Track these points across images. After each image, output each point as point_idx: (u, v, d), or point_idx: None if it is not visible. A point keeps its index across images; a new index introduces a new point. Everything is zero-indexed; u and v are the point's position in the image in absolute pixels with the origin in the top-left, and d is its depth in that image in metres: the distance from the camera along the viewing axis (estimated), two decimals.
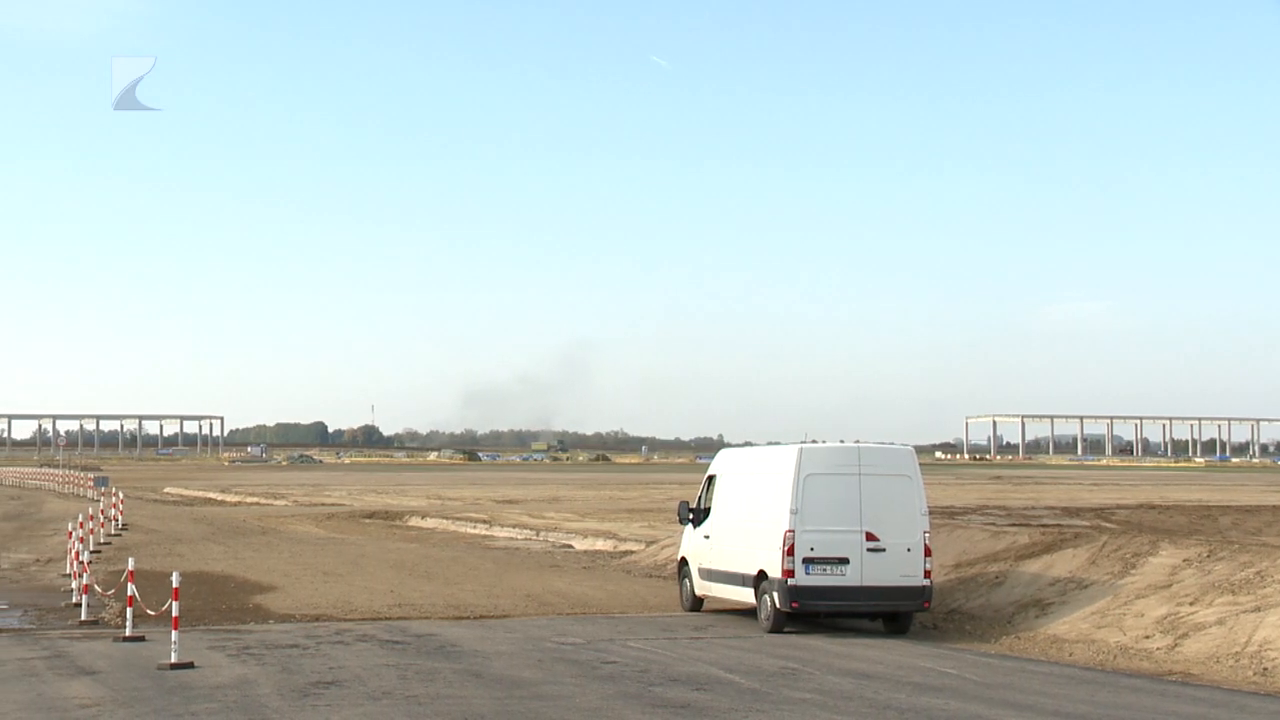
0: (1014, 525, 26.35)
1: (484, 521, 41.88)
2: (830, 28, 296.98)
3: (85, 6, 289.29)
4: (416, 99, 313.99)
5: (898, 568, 18.36)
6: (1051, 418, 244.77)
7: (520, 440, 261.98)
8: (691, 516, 21.45)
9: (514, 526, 39.88)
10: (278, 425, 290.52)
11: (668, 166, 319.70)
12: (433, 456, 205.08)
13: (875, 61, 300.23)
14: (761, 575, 18.69)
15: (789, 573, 18.08)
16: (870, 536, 18.33)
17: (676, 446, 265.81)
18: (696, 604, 21.04)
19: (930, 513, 19.33)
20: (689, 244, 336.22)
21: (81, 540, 23.44)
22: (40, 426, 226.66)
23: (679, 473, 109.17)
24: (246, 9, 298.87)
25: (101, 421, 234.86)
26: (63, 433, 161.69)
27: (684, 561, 21.57)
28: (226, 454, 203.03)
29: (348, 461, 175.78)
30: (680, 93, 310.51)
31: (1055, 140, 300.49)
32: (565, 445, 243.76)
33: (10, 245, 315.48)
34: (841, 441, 19.27)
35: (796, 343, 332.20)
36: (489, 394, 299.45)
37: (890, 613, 18.80)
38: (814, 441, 19.69)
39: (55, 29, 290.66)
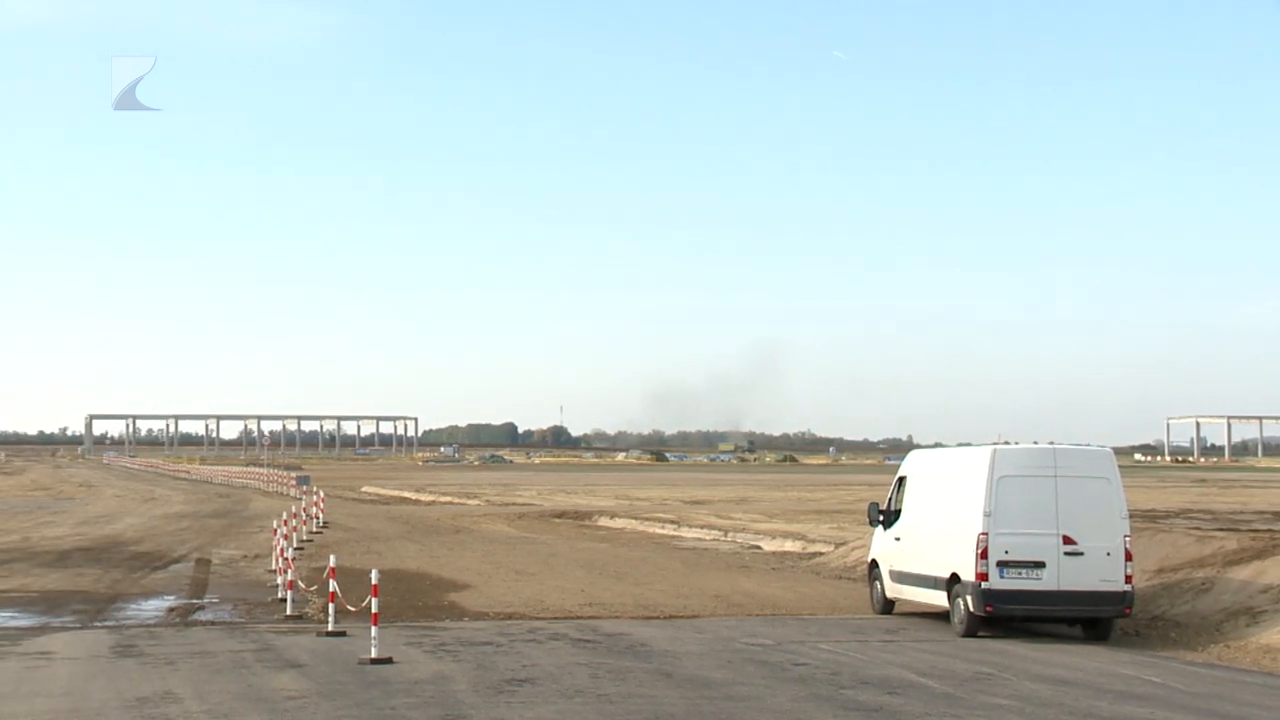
0: (1221, 530, 25.32)
1: (672, 522, 42.05)
2: (1021, 23, 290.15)
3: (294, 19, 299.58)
4: (602, 96, 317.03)
5: (1097, 572, 17.84)
6: (1260, 419, 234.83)
7: (708, 441, 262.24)
8: (882, 518, 21.19)
9: (702, 527, 39.95)
10: (469, 426, 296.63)
11: (860, 165, 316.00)
12: (621, 457, 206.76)
13: (1066, 56, 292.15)
14: (954, 578, 18.36)
15: (982, 576, 17.72)
16: (1067, 540, 17.84)
17: (864, 448, 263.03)
18: (887, 606, 20.77)
19: (1130, 516, 18.72)
20: (882, 243, 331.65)
21: (285, 537, 24.26)
22: (246, 427, 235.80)
23: (867, 474, 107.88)
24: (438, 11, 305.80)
25: (303, 422, 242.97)
26: (267, 433, 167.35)
27: (874, 564, 21.31)
28: (420, 454, 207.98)
29: (537, 462, 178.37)
30: (863, 89, 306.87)
31: (1260, 133, 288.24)
32: (754, 446, 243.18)
33: (220, 255, 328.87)
34: (1035, 443, 18.81)
35: (989, 343, 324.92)
36: (677, 394, 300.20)
37: (1089, 618, 18.28)
38: (1007, 443, 19.27)
39: (262, 40, 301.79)
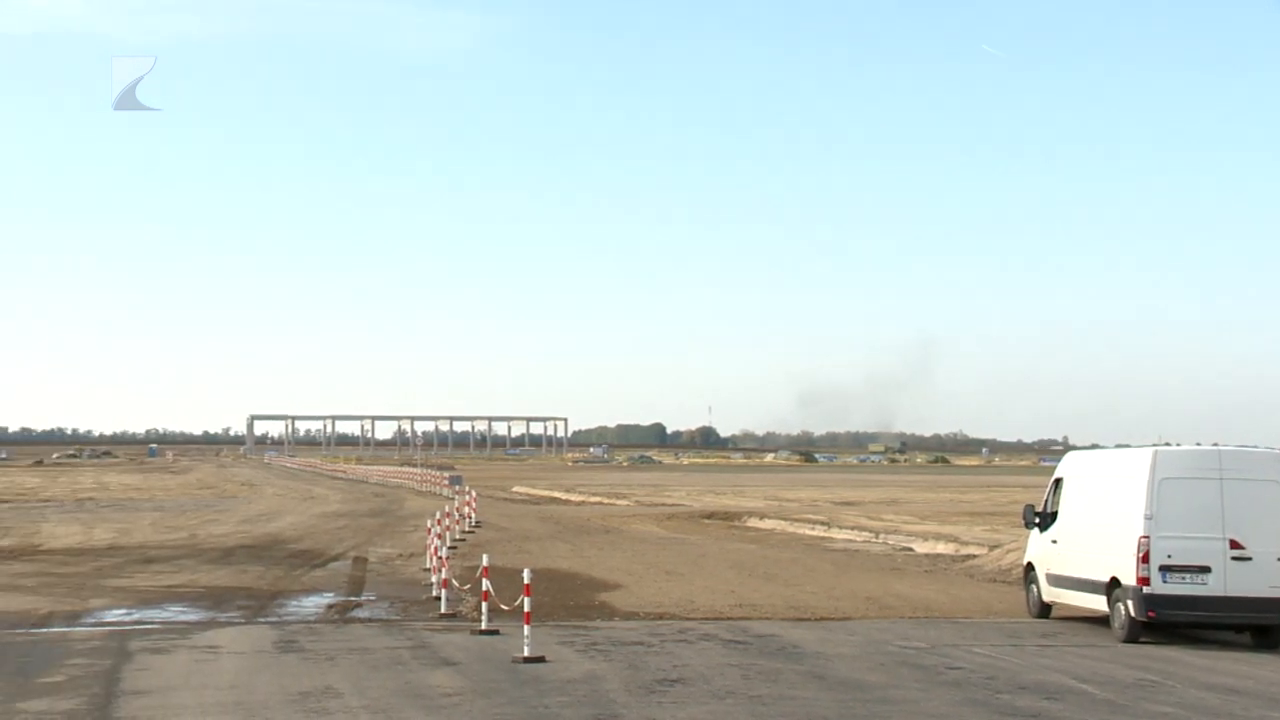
0: None
1: (822, 523, 41.75)
2: (1179, 11, 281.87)
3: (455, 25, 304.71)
4: (754, 96, 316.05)
5: (1267, 578, 17.23)
6: None
7: (857, 441, 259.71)
8: (1038, 520, 20.75)
9: (852, 528, 39.59)
10: (618, 426, 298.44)
11: (1019, 163, 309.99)
12: (770, 458, 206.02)
13: (1251, 50, 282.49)
14: (1114, 582, 17.89)
15: (1144, 580, 17.25)
16: (1235, 544, 17.27)
17: (1018, 449, 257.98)
18: (1044, 610, 20.32)
19: None
20: (1041, 242, 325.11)
21: (439, 536, 24.65)
22: (400, 427, 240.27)
23: (1022, 475, 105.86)
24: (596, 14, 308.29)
25: (455, 423, 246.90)
26: (420, 433, 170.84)
27: (1030, 566, 20.88)
28: (570, 454, 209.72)
29: (686, 462, 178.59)
30: (1016, 84, 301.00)
31: None
32: (905, 447, 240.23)
33: (374, 261, 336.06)
34: (1199, 445, 18.25)
35: (1150, 343, 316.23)
36: (827, 395, 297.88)
37: (1258, 626, 17.67)
38: (1169, 444, 18.74)
39: (424, 47, 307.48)
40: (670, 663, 15.31)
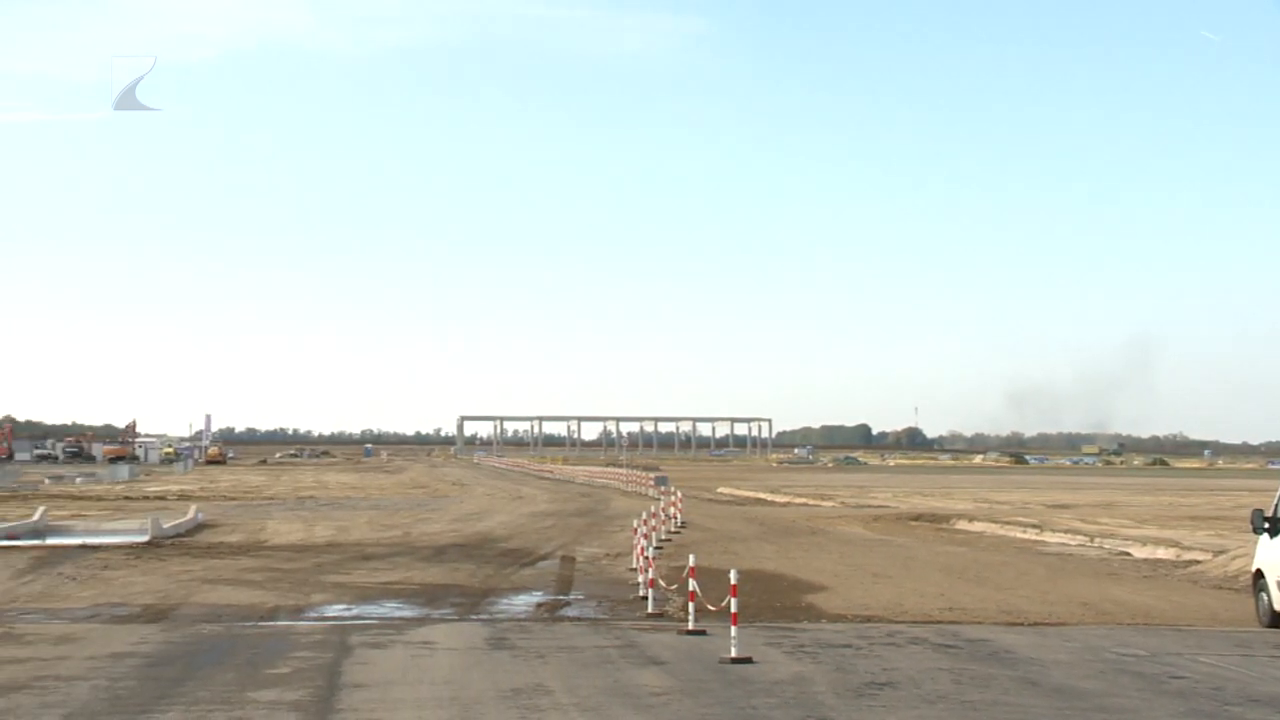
0: None
1: (1034, 526, 40.69)
2: None
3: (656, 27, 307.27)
4: (955, 90, 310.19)
5: None
6: None
7: (1070, 443, 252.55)
8: (1267, 525, 19.82)
9: (1065, 532, 38.47)
10: (823, 427, 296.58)
11: (1243, 156, 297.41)
12: (978, 459, 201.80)
13: None
14: None
15: None
16: None
17: (1243, 451, 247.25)
18: (1275, 619, 19.38)
19: None
20: (1267, 239, 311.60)
21: (645, 536, 24.83)
22: (605, 428, 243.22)
23: (1248, 479, 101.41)
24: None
25: (660, 424, 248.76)
26: (625, 434, 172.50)
27: (1260, 573, 19.96)
28: (775, 455, 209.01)
29: (892, 463, 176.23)
30: (1234, 70, 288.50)
31: None
32: (1123, 449, 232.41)
33: (579, 262, 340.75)
34: None
35: None
36: (1039, 395, 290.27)
37: None
38: None
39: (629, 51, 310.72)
40: (879, 666, 15.11)
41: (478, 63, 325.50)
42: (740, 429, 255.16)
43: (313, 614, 20.21)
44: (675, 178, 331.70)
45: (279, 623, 19.14)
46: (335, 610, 20.65)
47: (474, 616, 20.07)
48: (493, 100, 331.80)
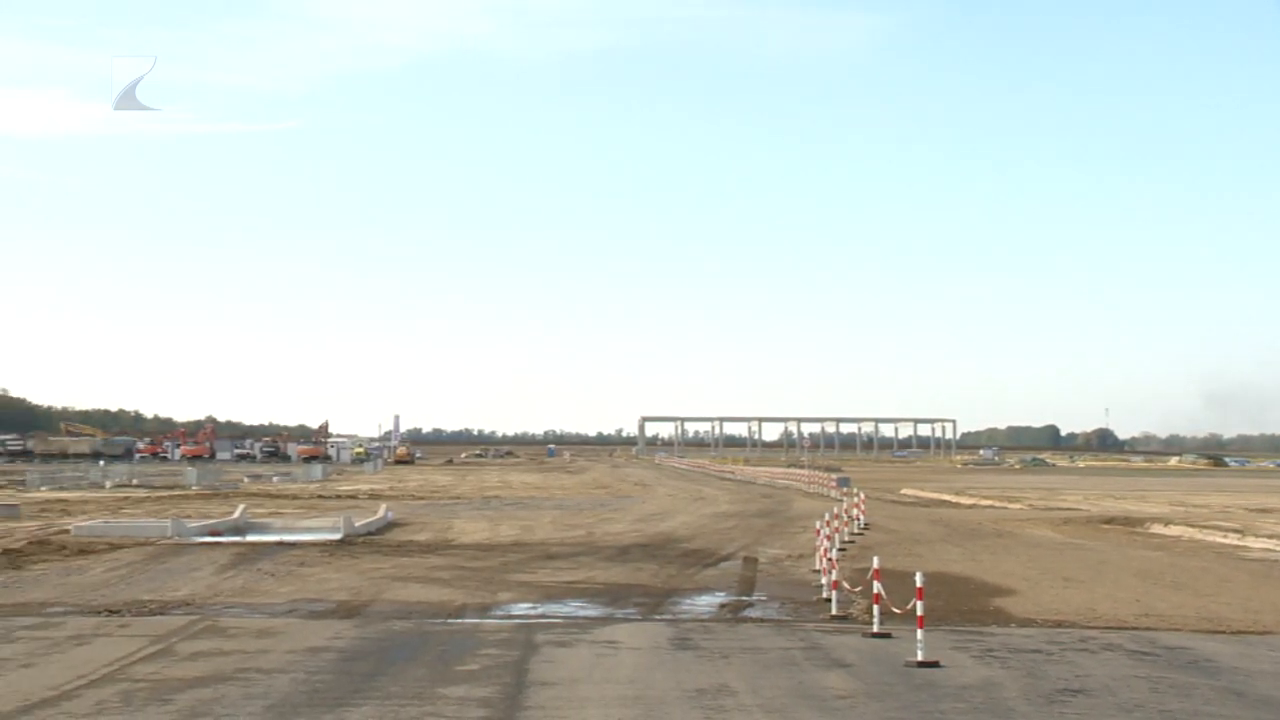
0: None
1: (1235, 531, 39.12)
2: None
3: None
4: (1118, 82, 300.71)
5: None
6: None
7: (1275, 445, 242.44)
8: None
9: (1270, 537, 36.89)
10: (1009, 428, 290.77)
11: None
12: (1173, 461, 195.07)
13: None
14: None
15: None
16: None
17: None
18: None
19: None
20: None
21: (828, 538, 24.62)
22: (786, 429, 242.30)
23: None
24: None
25: (841, 424, 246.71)
26: (806, 435, 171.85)
27: None
28: (959, 456, 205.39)
29: (1081, 465, 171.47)
30: None
31: None
32: None
33: (759, 265, 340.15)
34: None
35: None
36: (1241, 395, 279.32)
37: None
38: None
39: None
40: (1072, 672, 14.71)
41: (657, 65, 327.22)
42: (924, 430, 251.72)
43: (499, 612, 20.54)
44: (859, 175, 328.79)
45: (467, 620, 19.50)
46: (521, 609, 20.95)
47: (657, 616, 20.15)
48: (672, 102, 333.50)
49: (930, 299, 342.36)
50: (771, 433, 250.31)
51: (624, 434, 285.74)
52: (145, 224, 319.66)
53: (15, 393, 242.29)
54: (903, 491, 74.79)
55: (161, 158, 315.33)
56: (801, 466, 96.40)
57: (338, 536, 33.88)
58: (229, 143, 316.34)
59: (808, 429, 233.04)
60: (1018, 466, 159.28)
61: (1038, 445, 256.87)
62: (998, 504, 58.56)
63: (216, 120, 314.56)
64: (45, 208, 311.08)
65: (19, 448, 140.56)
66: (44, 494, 61.30)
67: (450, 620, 19.42)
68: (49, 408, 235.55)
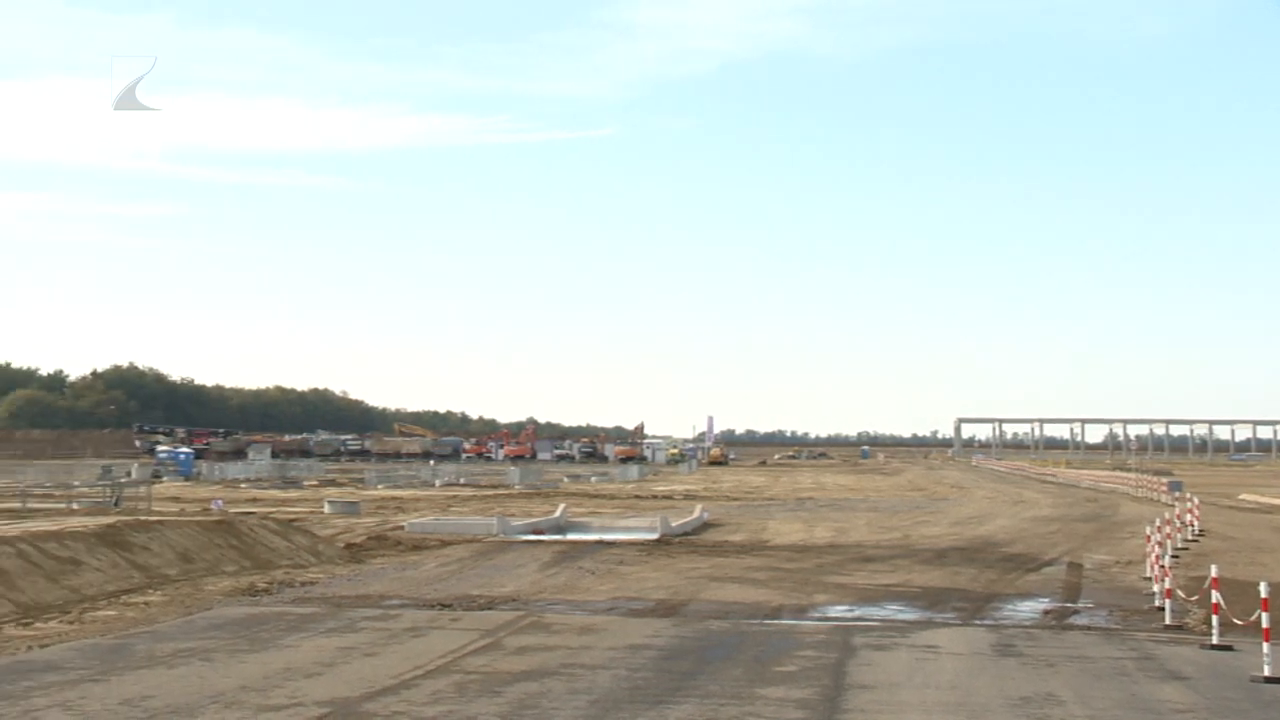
0: None
1: None
2: None
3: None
4: None
5: None
6: None
7: None
8: None
9: None
10: None
11: None
12: None
13: None
14: None
15: None
16: None
17: None
18: None
19: None
20: None
21: (1159, 544, 23.50)
22: (1111, 430, 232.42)
23: None
24: None
25: (1171, 426, 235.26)
26: (1133, 437, 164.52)
27: None
28: None
29: None
30: None
31: None
32: None
33: (1074, 260, 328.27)
34: None
35: None
36: None
37: None
38: None
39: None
40: None
41: (974, 57, 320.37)
42: (1264, 431, 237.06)
43: (815, 614, 20.47)
44: (1180, 159, 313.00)
45: (783, 621, 19.51)
46: (837, 611, 20.82)
47: (977, 621, 19.69)
48: (1003, 93, 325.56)
49: (1269, 291, 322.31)
50: (1095, 435, 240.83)
51: (939, 435, 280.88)
52: (467, 233, 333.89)
53: (354, 395, 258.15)
54: (1240, 497, 70.69)
55: (486, 167, 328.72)
56: (1128, 470, 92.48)
57: (655, 536, 34.51)
58: (548, 150, 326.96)
59: (1134, 431, 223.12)
60: None
61: None
62: None
63: (538, 129, 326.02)
64: (378, 221, 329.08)
65: (358, 447, 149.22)
66: (380, 492, 64.90)
67: (767, 621, 19.48)
68: (384, 409, 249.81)
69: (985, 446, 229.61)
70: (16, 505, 39.38)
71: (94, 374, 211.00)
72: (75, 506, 39.18)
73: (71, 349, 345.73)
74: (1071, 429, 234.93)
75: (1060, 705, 12.79)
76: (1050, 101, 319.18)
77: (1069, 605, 21.91)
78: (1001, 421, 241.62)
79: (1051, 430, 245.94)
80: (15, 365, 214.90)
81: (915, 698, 13.19)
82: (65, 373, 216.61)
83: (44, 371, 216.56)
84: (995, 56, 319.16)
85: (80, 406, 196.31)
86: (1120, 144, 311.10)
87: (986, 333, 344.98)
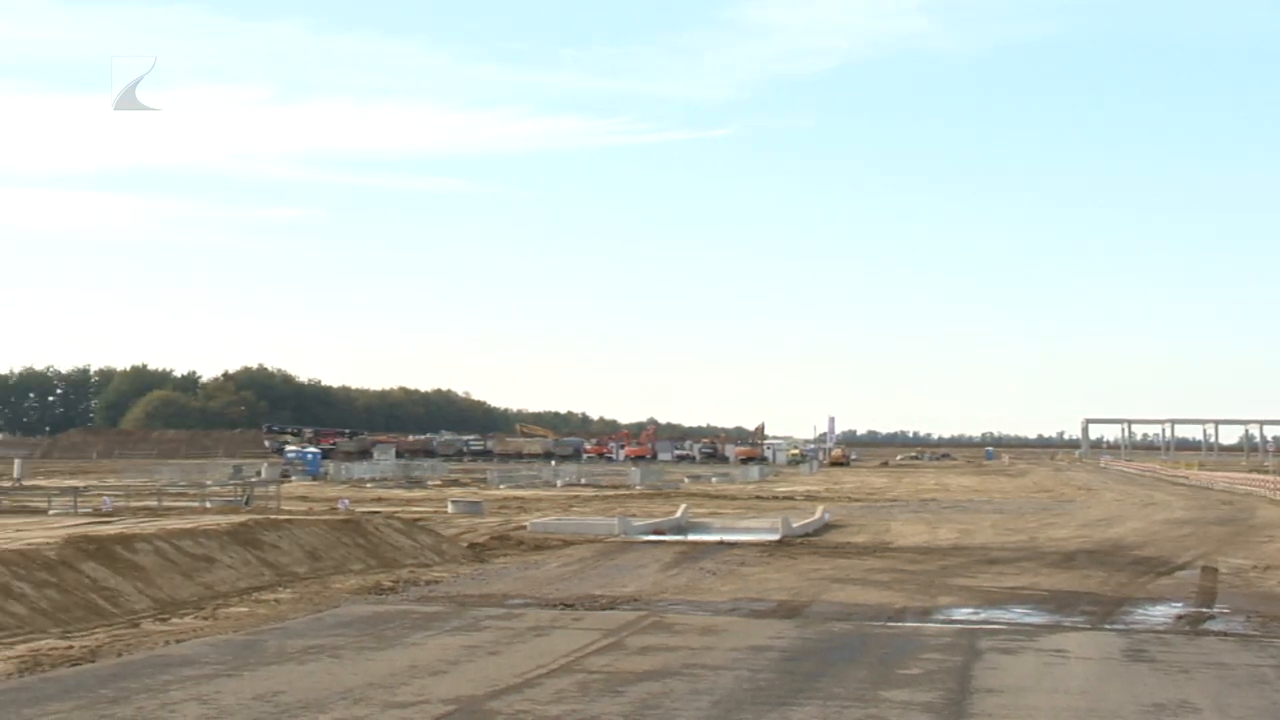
0: None
1: None
2: None
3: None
4: None
5: None
6: None
7: None
8: None
9: None
10: None
11: None
12: None
13: None
14: None
15: None
16: None
17: None
18: None
19: None
20: None
21: None
22: (1246, 431, 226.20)
23: None
24: None
25: None
26: (1270, 438, 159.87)
27: None
28: None
29: None
30: None
31: None
32: None
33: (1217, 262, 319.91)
34: None
35: None
36: None
37: None
38: None
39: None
40: None
41: (1106, 52, 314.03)
42: None
43: (939, 616, 20.20)
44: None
45: (906, 623, 19.29)
46: (962, 613, 20.53)
47: (1107, 625, 19.27)
48: (1123, 90, 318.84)
49: None
50: (1229, 436, 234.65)
51: (1065, 436, 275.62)
52: (587, 234, 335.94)
53: (477, 395, 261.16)
54: None
55: (605, 168, 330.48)
56: (1265, 471, 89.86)
57: (776, 537, 34.35)
58: (667, 151, 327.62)
59: (1271, 432, 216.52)
60: None
61: None
62: None
63: (657, 130, 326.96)
64: (499, 223, 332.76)
65: (480, 448, 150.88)
66: (502, 491, 65.53)
67: (890, 623, 19.27)
68: (506, 410, 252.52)
69: (1114, 447, 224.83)
70: (153, 503, 40.56)
71: (225, 375, 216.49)
72: (208, 505, 40.22)
73: (204, 351, 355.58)
74: (1204, 430, 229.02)
75: (1196, 713, 12.46)
76: (1185, 91, 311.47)
77: (1204, 610, 21.34)
78: (1130, 422, 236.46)
79: (1183, 431, 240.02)
80: (151, 367, 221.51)
81: (1043, 702, 12.95)
82: (198, 374, 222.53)
83: (178, 373, 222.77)
84: (1131, 50, 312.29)
85: (212, 407, 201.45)
86: (1254, 141, 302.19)
87: (1115, 331, 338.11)
